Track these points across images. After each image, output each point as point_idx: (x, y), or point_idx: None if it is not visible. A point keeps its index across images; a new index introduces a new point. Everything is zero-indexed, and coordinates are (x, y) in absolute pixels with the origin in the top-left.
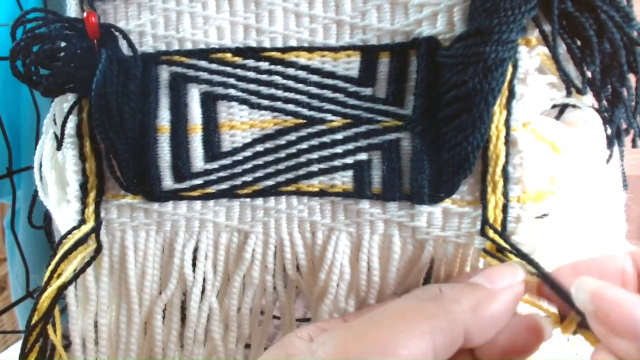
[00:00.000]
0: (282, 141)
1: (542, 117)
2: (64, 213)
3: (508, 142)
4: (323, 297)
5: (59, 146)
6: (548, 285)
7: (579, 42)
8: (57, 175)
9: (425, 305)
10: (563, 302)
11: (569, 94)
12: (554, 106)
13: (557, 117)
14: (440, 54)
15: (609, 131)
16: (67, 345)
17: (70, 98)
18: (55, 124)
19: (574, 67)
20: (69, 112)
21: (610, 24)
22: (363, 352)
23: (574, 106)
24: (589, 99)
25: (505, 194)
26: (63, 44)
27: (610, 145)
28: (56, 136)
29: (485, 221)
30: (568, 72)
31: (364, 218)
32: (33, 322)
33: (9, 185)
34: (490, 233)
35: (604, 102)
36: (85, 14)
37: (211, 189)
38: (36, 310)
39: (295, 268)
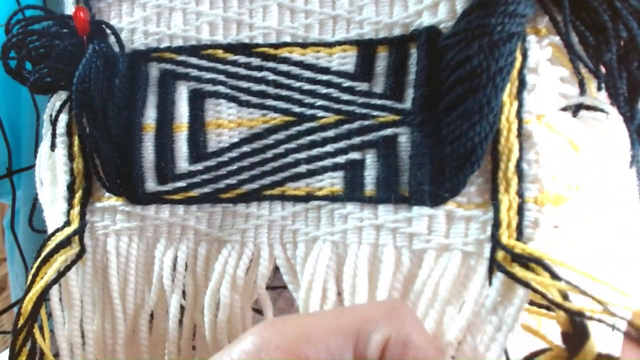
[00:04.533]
0: (269, 140)
1: (558, 112)
2: (53, 214)
3: (521, 135)
4: None
5: (52, 146)
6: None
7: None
8: (52, 175)
9: None
10: None
11: (582, 91)
12: (565, 108)
13: None
14: (442, 39)
15: (630, 130)
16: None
17: (64, 97)
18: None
19: (588, 58)
20: (60, 110)
21: (624, 10)
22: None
23: (587, 108)
24: (603, 96)
25: (520, 194)
26: (57, 42)
27: (633, 145)
28: (52, 136)
29: (497, 225)
30: (584, 61)
31: (351, 224)
32: (19, 326)
33: (9, 185)
34: (504, 239)
35: (622, 98)
36: (73, 10)
37: (194, 193)
38: (21, 314)
39: (265, 286)
